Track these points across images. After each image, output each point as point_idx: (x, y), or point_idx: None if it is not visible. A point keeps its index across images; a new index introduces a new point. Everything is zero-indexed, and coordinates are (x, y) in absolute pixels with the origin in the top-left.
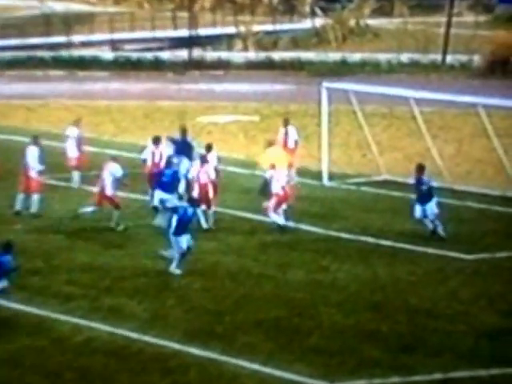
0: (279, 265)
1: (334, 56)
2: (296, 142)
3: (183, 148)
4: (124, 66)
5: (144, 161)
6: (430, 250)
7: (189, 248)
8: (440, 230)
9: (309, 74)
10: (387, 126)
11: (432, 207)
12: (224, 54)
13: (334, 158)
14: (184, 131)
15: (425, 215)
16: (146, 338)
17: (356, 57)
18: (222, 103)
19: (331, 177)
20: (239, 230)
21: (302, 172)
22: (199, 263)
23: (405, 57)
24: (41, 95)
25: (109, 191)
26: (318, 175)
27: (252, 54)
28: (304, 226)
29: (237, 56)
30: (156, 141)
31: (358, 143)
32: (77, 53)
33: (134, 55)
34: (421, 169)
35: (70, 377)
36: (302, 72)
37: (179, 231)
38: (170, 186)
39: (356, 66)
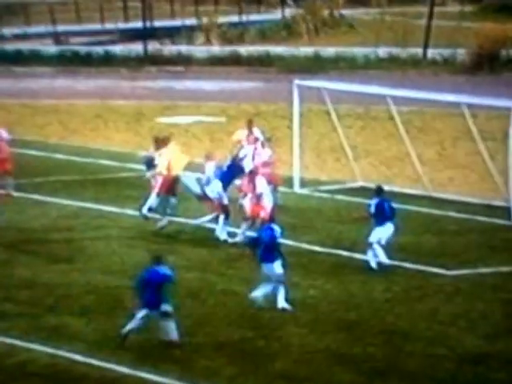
0: (246, 280)
1: (305, 50)
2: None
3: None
4: (71, 62)
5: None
6: (408, 265)
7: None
8: (374, 260)
9: (279, 70)
10: (363, 127)
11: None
12: (184, 48)
13: (306, 163)
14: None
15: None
16: (92, 361)
17: (330, 51)
18: (183, 103)
19: (303, 183)
20: (203, 242)
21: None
22: None
23: (382, 51)
24: None
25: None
26: (288, 182)
27: (216, 49)
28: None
29: (199, 50)
30: (161, 142)
31: (331, 147)
32: (11, 46)
33: (82, 49)
34: (380, 191)
35: None
36: (272, 68)
37: (267, 257)
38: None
39: (330, 61)
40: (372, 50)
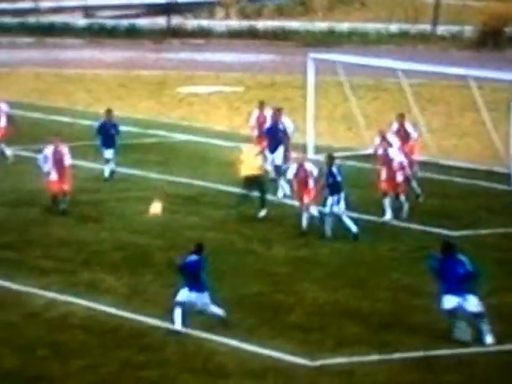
0: (263, 240)
1: (320, 26)
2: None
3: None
4: (98, 34)
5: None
6: (414, 226)
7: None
8: (328, 229)
9: (294, 43)
10: (374, 98)
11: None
12: (205, 22)
13: (319, 131)
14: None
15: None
16: (124, 314)
17: (343, 26)
18: (203, 73)
19: (317, 150)
20: (222, 204)
21: None
22: (180, 238)
23: (394, 27)
24: (7, 63)
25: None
26: (303, 148)
27: (235, 23)
28: (288, 201)
29: (219, 24)
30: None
31: (344, 116)
32: (45, 19)
33: (109, 22)
34: (331, 159)
35: (43, 352)
36: (287, 42)
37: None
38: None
39: (343, 36)
40: (384, 26)
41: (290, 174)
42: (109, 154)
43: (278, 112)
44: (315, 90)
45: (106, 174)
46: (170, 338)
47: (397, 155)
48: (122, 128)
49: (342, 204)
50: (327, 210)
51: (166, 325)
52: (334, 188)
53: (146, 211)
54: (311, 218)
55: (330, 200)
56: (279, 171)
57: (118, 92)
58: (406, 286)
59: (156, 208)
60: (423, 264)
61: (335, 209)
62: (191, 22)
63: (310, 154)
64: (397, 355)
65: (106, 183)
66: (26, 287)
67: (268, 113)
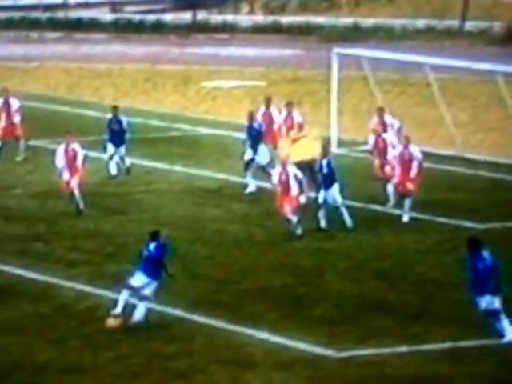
0: (285, 232)
1: (345, 21)
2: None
3: None
4: (125, 29)
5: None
6: (440, 219)
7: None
8: (323, 220)
9: (318, 39)
10: (400, 93)
11: (334, 194)
12: (230, 18)
13: (343, 125)
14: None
15: (325, 201)
16: (151, 306)
17: (369, 22)
18: (227, 68)
19: (340, 144)
20: (244, 197)
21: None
22: (204, 231)
23: (420, 23)
24: (37, 57)
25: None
26: (326, 142)
27: (259, 18)
28: (310, 193)
29: (243, 19)
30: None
31: (368, 110)
32: (74, 14)
33: (136, 17)
34: (325, 151)
35: (74, 344)
36: (311, 37)
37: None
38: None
39: (368, 31)
40: (410, 22)
41: (275, 179)
42: (111, 150)
43: (289, 106)
44: (339, 85)
45: (113, 171)
46: (197, 330)
47: (394, 141)
48: (148, 122)
49: (339, 196)
50: (320, 201)
51: (192, 316)
52: (327, 180)
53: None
54: (290, 223)
55: (322, 192)
56: (247, 166)
57: (144, 86)
58: (431, 279)
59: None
60: (449, 257)
61: (331, 200)
62: (216, 17)
63: (334, 148)
64: (425, 347)
65: (133, 176)
66: (55, 279)
67: (274, 109)
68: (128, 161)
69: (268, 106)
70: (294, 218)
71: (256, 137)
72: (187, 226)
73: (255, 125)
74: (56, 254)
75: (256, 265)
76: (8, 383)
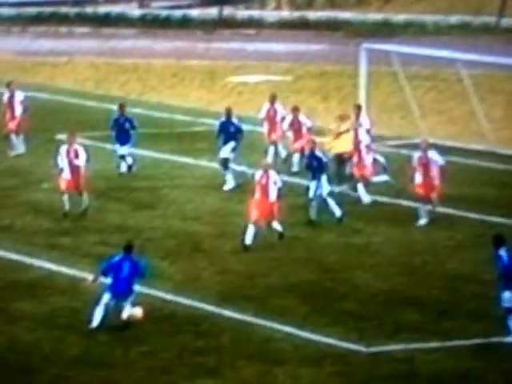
0: (309, 227)
1: (374, 17)
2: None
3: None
4: (151, 24)
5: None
6: (470, 215)
7: None
8: (336, 211)
9: (346, 34)
10: (431, 88)
11: (322, 184)
12: (256, 13)
13: (372, 121)
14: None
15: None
16: (179, 300)
17: (399, 18)
18: (253, 63)
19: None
20: None
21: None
22: (230, 226)
23: (454, 19)
24: (65, 52)
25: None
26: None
27: (286, 13)
28: (337, 188)
29: (270, 15)
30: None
31: (398, 105)
32: (102, 9)
33: (163, 12)
34: (313, 143)
35: (104, 338)
36: (339, 32)
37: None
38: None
39: (398, 26)
40: (443, 18)
41: (257, 177)
42: (124, 150)
43: (295, 110)
44: (367, 80)
45: (123, 168)
46: (225, 325)
47: (365, 137)
48: (174, 117)
49: (326, 186)
50: (311, 194)
51: (220, 311)
52: (317, 172)
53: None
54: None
55: (313, 184)
56: (225, 164)
57: (170, 81)
58: (462, 274)
59: (137, 313)
60: (479, 253)
61: (321, 192)
62: (242, 13)
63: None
64: (455, 342)
65: (159, 170)
66: (84, 273)
67: (279, 106)
68: (130, 159)
69: (273, 102)
70: (278, 226)
71: (233, 134)
72: (212, 220)
73: (233, 122)
74: (84, 248)
75: (282, 260)
76: (40, 377)
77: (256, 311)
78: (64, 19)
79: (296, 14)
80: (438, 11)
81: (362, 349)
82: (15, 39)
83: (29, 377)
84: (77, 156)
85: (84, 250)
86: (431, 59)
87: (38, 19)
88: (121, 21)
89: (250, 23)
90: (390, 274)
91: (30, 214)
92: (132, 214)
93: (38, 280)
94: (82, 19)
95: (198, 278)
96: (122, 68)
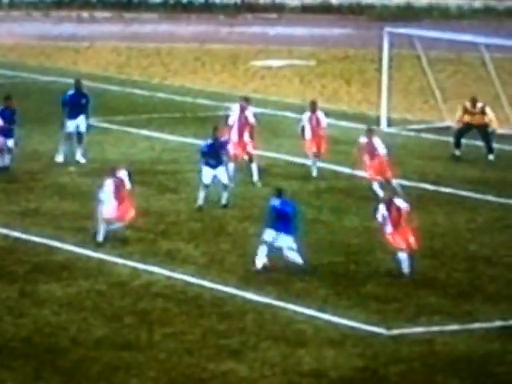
0: (334, 211)
1: (396, 0)
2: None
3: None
4: (174, 8)
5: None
6: (491, 198)
7: None
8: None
9: (369, 18)
10: (454, 72)
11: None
12: None
13: (393, 104)
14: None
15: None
16: (203, 283)
17: (422, 1)
18: (275, 47)
19: (390, 123)
20: (294, 175)
21: (358, 117)
22: (254, 208)
23: (478, 3)
24: (87, 37)
25: None
26: (375, 121)
27: None
28: (359, 173)
29: None
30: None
31: (420, 89)
32: None
33: None
34: (215, 130)
35: (130, 321)
36: (362, 16)
37: None
38: None
39: (421, 11)
40: (466, 2)
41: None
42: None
43: (313, 104)
44: (390, 64)
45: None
46: (248, 307)
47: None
48: (197, 101)
49: (225, 176)
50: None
51: (244, 293)
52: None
53: None
54: None
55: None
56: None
57: (193, 65)
58: (483, 257)
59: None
60: (500, 235)
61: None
62: None
63: (383, 127)
64: (476, 325)
65: (183, 154)
66: (109, 256)
67: (321, 114)
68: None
69: (314, 110)
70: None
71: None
72: (237, 203)
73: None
74: (109, 231)
75: (305, 242)
76: (66, 359)
77: (279, 293)
78: (86, 4)
79: None
80: None
81: (384, 331)
82: (37, 24)
83: (55, 358)
84: (123, 185)
85: (108, 234)
86: (454, 43)
87: (59, 4)
88: (143, 5)
89: (273, 7)
90: (413, 257)
91: (55, 198)
92: (156, 197)
93: (64, 263)
94: (104, 4)
95: (222, 261)
96: (144, 52)
